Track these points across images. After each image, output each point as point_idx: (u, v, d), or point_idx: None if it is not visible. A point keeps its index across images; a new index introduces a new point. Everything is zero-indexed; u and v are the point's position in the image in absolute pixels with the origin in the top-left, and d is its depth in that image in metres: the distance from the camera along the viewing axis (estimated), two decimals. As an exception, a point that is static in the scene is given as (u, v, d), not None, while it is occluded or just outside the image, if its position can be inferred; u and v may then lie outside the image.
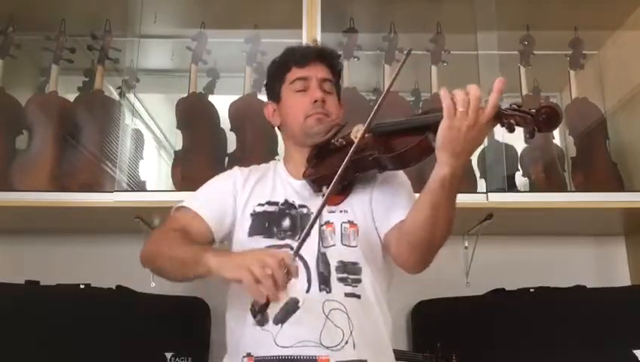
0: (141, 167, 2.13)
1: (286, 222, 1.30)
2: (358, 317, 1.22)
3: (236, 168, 1.45)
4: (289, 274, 1.04)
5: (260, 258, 1.04)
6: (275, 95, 1.43)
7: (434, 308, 1.99)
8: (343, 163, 1.17)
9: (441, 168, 1.10)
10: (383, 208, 1.31)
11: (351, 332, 1.20)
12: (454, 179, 1.10)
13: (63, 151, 2.03)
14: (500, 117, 1.08)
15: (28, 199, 1.85)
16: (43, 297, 1.88)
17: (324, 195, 1.28)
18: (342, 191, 1.31)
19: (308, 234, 1.10)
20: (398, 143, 1.20)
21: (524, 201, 1.90)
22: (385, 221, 1.30)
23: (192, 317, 1.94)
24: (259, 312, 1.10)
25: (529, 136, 1.07)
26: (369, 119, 1.22)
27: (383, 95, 1.23)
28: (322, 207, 1.13)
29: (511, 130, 1.07)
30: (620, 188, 2.07)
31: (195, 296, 1.97)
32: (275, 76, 1.43)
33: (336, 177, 1.15)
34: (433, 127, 1.11)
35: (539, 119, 1.05)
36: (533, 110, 1.05)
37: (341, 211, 1.30)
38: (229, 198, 1.35)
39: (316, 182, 1.32)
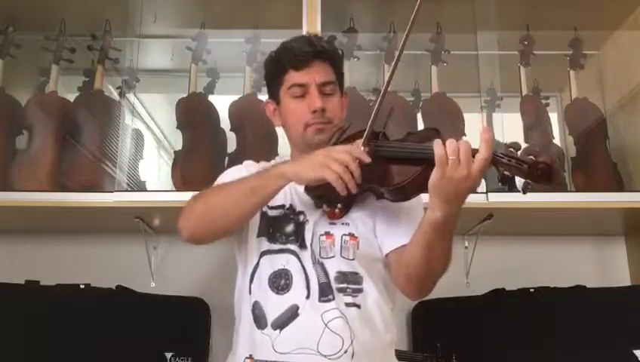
0: (141, 167, 2.13)
1: (289, 228, 1.28)
2: (359, 326, 1.20)
3: (248, 162, 1.44)
4: (361, 163, 1.13)
5: (334, 155, 1.13)
6: (274, 95, 1.39)
7: (434, 308, 1.98)
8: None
9: (433, 212, 1.08)
10: (386, 226, 1.28)
11: (351, 342, 1.18)
12: (447, 223, 1.09)
13: (63, 151, 2.02)
14: (497, 164, 1.05)
15: (28, 199, 1.84)
16: (43, 297, 1.88)
17: (324, 211, 1.28)
18: (342, 207, 1.29)
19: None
20: (396, 173, 1.16)
21: (524, 201, 1.89)
22: (386, 240, 1.27)
23: (192, 317, 1.94)
24: (341, 202, 1.21)
25: (523, 191, 1.06)
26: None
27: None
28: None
29: (504, 181, 1.05)
30: (620, 188, 2.07)
31: (195, 295, 1.97)
32: (272, 76, 1.38)
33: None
34: (430, 161, 1.07)
35: (535, 173, 1.02)
36: (531, 157, 1.02)
37: (342, 224, 1.27)
38: None
39: (314, 199, 1.29)
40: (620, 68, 2.30)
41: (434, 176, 1.04)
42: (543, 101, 2.22)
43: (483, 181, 1.96)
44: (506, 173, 1.04)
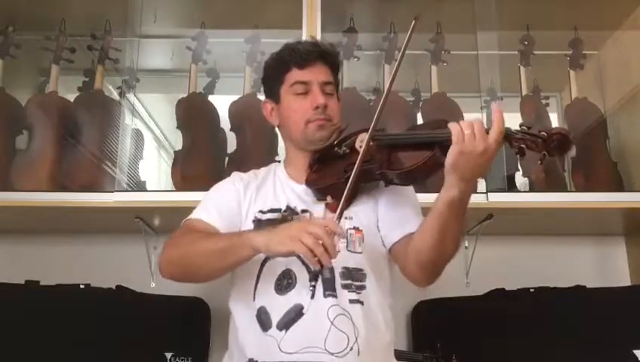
0: (141, 167, 2.13)
1: None
2: (363, 323, 1.21)
3: (235, 174, 1.43)
4: (337, 237, 1.10)
5: (308, 228, 1.09)
6: (273, 95, 1.40)
7: (434, 308, 1.99)
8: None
9: (450, 191, 1.11)
10: (390, 218, 1.31)
11: (356, 339, 1.19)
12: (462, 202, 1.11)
13: (63, 151, 2.03)
14: (510, 140, 1.07)
15: (28, 199, 1.84)
16: (43, 297, 1.88)
17: (327, 204, 1.29)
18: (345, 200, 1.30)
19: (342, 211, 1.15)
20: (404, 158, 1.19)
21: (524, 201, 1.90)
22: (392, 232, 1.30)
23: (192, 317, 1.94)
24: (313, 279, 1.14)
25: (540, 162, 1.07)
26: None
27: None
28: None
29: (522, 154, 1.07)
30: (620, 188, 2.07)
31: (195, 295, 1.97)
32: (274, 75, 1.39)
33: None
34: (440, 144, 1.12)
35: (550, 145, 1.04)
36: (544, 133, 1.04)
37: (346, 218, 1.28)
38: (235, 206, 1.34)
39: (321, 191, 1.31)
40: (620, 68, 2.30)
41: (452, 152, 1.07)
42: (543, 101, 2.22)
43: (483, 181, 1.97)
44: (522, 145, 1.06)
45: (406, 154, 1.19)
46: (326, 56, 1.38)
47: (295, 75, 1.35)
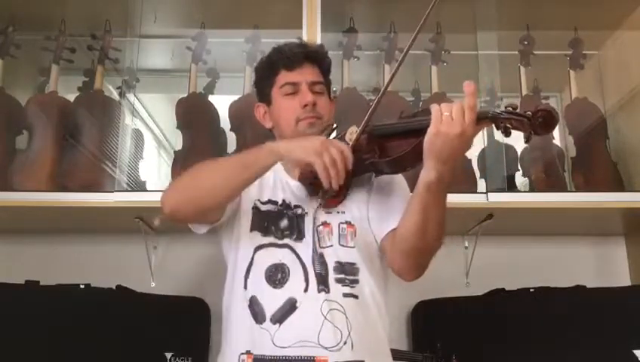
0: (141, 167, 2.13)
1: (284, 223, 1.30)
2: (356, 317, 1.22)
3: None
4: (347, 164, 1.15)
5: (328, 147, 1.15)
6: (265, 97, 1.42)
7: (434, 308, 1.99)
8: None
9: (427, 173, 1.11)
10: (379, 212, 1.32)
11: (349, 333, 1.20)
12: (441, 184, 1.11)
13: (63, 151, 2.02)
14: (496, 121, 1.08)
15: (28, 199, 1.84)
16: (43, 297, 1.88)
17: (320, 198, 1.29)
18: (338, 194, 1.30)
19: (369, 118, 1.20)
20: (394, 147, 1.20)
21: (524, 201, 1.90)
22: (381, 225, 1.30)
23: (192, 317, 1.94)
24: (321, 197, 1.21)
25: (526, 140, 1.07)
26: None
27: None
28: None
29: (507, 134, 1.07)
30: (620, 188, 2.07)
31: (195, 295, 1.97)
32: (264, 78, 1.41)
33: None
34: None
35: (535, 123, 1.04)
36: (529, 112, 1.05)
37: (338, 212, 1.30)
38: None
39: (313, 185, 1.31)
40: (619, 68, 2.30)
41: (429, 133, 1.08)
42: (543, 101, 2.22)
43: (483, 181, 1.97)
44: (507, 125, 1.07)
45: (396, 143, 1.20)
46: (313, 57, 1.39)
47: (284, 76, 1.37)
